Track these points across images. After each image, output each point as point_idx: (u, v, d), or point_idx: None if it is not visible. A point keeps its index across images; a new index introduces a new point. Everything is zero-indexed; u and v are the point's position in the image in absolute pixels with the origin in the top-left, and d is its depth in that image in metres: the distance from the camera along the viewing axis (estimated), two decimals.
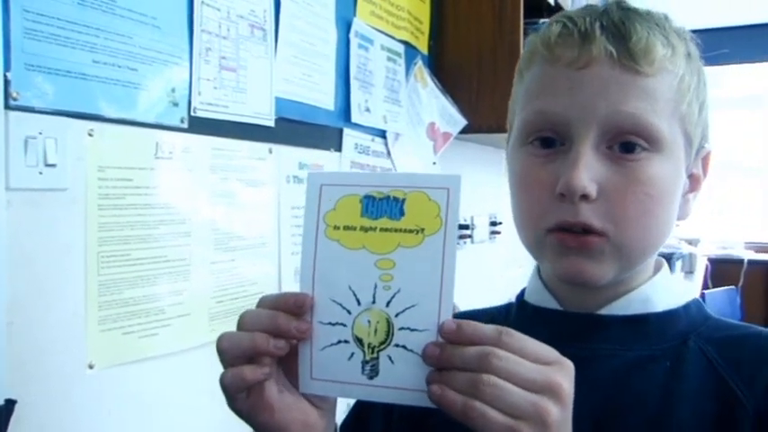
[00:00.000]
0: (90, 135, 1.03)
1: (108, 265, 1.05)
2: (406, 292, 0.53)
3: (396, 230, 0.54)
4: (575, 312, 0.70)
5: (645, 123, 0.62)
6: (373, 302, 0.54)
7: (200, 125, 1.23)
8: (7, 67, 0.90)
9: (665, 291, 0.71)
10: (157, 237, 1.14)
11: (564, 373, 0.52)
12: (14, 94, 0.91)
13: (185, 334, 1.20)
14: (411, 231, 0.53)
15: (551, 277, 0.72)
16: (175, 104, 1.18)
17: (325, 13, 1.61)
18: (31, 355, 0.94)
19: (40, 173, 0.95)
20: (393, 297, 0.54)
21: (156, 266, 1.14)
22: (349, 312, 0.55)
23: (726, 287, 4.36)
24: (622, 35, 0.63)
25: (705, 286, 4.29)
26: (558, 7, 2.28)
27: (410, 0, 1.99)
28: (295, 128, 1.50)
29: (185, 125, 1.20)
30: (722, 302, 4.20)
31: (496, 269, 2.63)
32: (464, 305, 2.24)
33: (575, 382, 0.66)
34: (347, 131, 1.71)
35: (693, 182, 0.71)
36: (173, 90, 1.17)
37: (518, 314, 0.76)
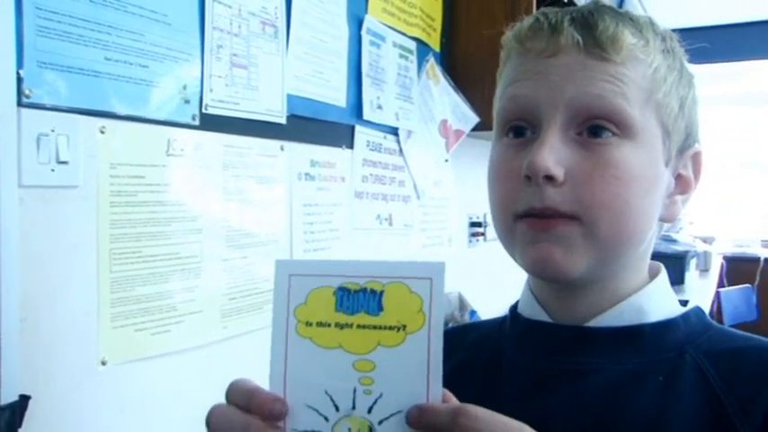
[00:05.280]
0: (102, 132, 1.03)
1: (120, 262, 1.06)
2: (390, 396, 0.49)
3: (374, 327, 0.49)
4: (565, 325, 0.68)
5: (612, 106, 0.62)
6: (353, 408, 0.49)
7: (211, 122, 1.23)
8: (20, 65, 0.90)
9: (660, 299, 0.68)
10: (169, 234, 1.14)
11: None
12: (27, 92, 0.91)
13: (197, 331, 1.20)
14: (391, 329, 0.49)
15: (540, 288, 0.71)
16: (187, 101, 1.18)
17: (336, 10, 1.61)
18: (43, 351, 0.95)
19: (53, 170, 0.96)
20: (375, 402, 0.49)
21: (168, 263, 1.14)
22: (326, 419, 0.50)
23: (741, 285, 4.32)
24: (590, 25, 0.64)
25: (720, 285, 4.25)
26: (571, 2, 2.26)
27: None
28: (307, 125, 1.50)
29: (197, 122, 1.20)
30: (738, 301, 4.15)
31: (509, 266, 2.61)
32: (477, 304, 2.22)
33: (565, 398, 0.62)
34: (359, 129, 1.71)
35: (682, 184, 0.69)
36: (184, 87, 1.17)
37: (511, 327, 0.74)
